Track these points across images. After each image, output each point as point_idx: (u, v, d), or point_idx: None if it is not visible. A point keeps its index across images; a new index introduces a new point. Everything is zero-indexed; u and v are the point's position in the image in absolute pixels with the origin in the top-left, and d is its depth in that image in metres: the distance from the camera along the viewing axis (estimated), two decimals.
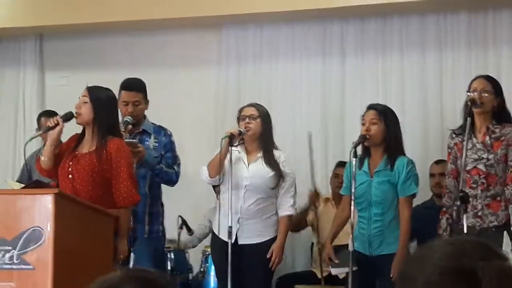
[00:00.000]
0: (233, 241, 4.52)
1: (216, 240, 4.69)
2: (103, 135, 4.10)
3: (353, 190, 4.34)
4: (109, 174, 4.05)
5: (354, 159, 4.34)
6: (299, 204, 5.22)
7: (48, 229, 3.52)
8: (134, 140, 4.58)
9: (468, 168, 4.31)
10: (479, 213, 4.30)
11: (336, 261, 4.56)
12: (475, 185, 4.31)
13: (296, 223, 5.32)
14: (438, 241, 1.45)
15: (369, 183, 4.49)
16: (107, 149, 4.07)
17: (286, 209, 4.66)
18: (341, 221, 4.67)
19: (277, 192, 4.67)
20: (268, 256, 4.58)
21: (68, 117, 4.16)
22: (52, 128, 4.10)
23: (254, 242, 4.61)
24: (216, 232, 4.68)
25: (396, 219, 4.49)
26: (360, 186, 4.45)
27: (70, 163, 4.09)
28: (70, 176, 4.07)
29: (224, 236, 4.55)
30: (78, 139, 4.19)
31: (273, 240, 4.64)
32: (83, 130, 4.21)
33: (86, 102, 4.13)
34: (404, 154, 4.58)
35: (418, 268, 1.39)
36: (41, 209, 3.57)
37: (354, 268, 4.29)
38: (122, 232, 4.06)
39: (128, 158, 4.15)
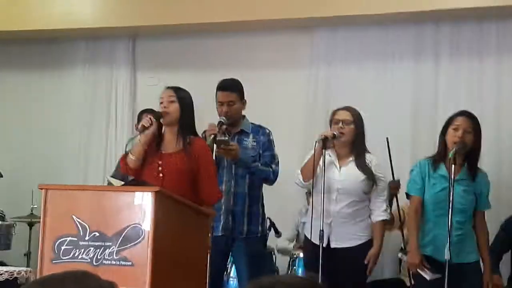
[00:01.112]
0: (325, 245, 4.50)
1: (307, 243, 4.66)
2: (188, 134, 4.19)
3: (451, 198, 4.26)
4: (196, 173, 4.13)
5: (453, 165, 4.25)
6: None
7: (147, 226, 3.56)
8: (226, 138, 4.60)
9: None
10: None
11: (428, 266, 4.48)
12: None
13: None
14: None
15: (450, 190, 4.39)
16: (193, 148, 4.15)
17: (379, 214, 4.61)
18: (418, 223, 4.57)
19: (370, 196, 4.62)
20: (366, 262, 4.54)
21: (158, 116, 4.21)
22: (147, 128, 4.16)
23: (347, 246, 4.57)
24: (307, 235, 4.65)
25: (472, 229, 4.50)
26: (441, 191, 4.37)
27: (160, 162, 4.15)
28: (160, 175, 4.12)
29: (315, 240, 4.52)
30: (156, 139, 4.22)
31: (366, 244, 4.59)
32: (159, 131, 4.24)
33: (173, 101, 4.19)
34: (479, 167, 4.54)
35: None
36: (142, 206, 3.60)
37: (438, 275, 4.25)
38: (209, 230, 4.12)
39: (212, 157, 4.29)
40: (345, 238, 4.57)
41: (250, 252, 4.57)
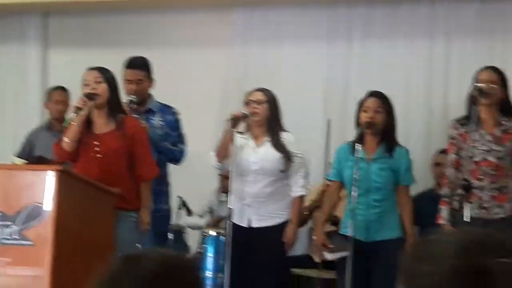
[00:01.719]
0: (247, 225, 4.56)
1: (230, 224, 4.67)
2: (117, 113, 4.21)
3: (355, 176, 4.33)
4: (132, 149, 4.21)
5: (358, 145, 4.34)
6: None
7: (50, 206, 3.51)
8: (136, 116, 4.57)
9: (477, 159, 4.30)
10: (485, 205, 4.29)
11: (331, 246, 4.57)
12: (482, 177, 4.30)
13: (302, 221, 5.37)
14: (449, 234, 1.36)
15: (367, 169, 4.49)
16: (127, 126, 4.21)
17: (296, 190, 4.67)
18: (329, 208, 4.68)
19: (288, 174, 4.66)
20: (284, 240, 4.59)
21: (92, 98, 4.14)
22: (81, 109, 4.10)
23: (268, 225, 4.61)
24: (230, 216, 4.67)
25: (394, 205, 4.54)
26: (357, 172, 4.45)
27: (96, 142, 4.12)
28: (98, 155, 4.12)
29: (236, 220, 4.55)
30: (85, 121, 4.18)
31: (285, 223, 4.65)
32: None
33: (100, 82, 4.15)
34: (398, 144, 4.60)
35: (428, 265, 1.27)
36: (44, 185, 3.55)
37: (346, 253, 4.31)
38: (146, 204, 4.29)
39: (145, 134, 4.39)
40: (265, 217, 4.63)
41: (156, 229, 4.56)
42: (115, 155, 4.15)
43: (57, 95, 5.74)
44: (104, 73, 4.24)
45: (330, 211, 4.71)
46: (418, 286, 1.28)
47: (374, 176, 4.49)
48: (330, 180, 4.79)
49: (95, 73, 4.22)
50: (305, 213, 5.39)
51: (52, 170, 3.55)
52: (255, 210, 4.60)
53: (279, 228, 4.61)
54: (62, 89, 5.79)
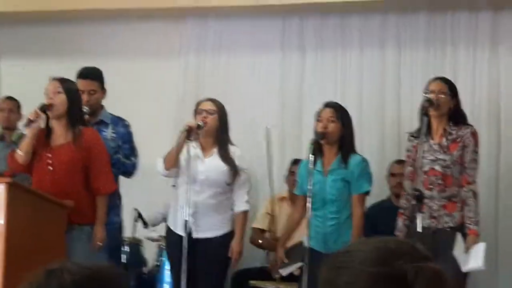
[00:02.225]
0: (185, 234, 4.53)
1: (171, 234, 4.67)
2: (77, 125, 4.16)
3: (309, 187, 4.35)
4: (88, 162, 4.15)
5: (311, 156, 4.36)
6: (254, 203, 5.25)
7: (0, 220, 3.46)
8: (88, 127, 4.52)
9: (425, 169, 4.37)
10: (435, 214, 4.35)
11: (285, 261, 4.59)
12: (431, 186, 4.36)
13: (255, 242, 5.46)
14: (361, 243, 1.36)
15: (324, 182, 4.52)
16: (84, 138, 4.16)
17: (241, 204, 4.69)
18: (295, 222, 4.73)
19: (232, 187, 4.66)
20: (229, 255, 4.60)
21: (45, 109, 4.09)
22: (33, 121, 4.04)
23: (209, 236, 4.60)
24: (171, 226, 4.66)
25: (350, 217, 4.55)
26: (314, 185, 4.46)
27: (49, 155, 4.07)
28: (50, 168, 4.06)
29: (180, 231, 4.53)
30: (44, 132, 4.16)
31: (228, 235, 4.64)
32: (47, 123, 4.16)
33: (59, 93, 4.11)
34: (356, 153, 4.62)
35: (344, 274, 1.29)
36: None
37: (300, 264, 4.35)
38: (101, 220, 4.23)
39: (104, 147, 4.32)
40: (206, 228, 4.61)
41: (108, 243, 4.52)
42: (67, 168, 4.09)
43: (6, 104, 5.70)
44: (64, 83, 4.21)
45: (293, 227, 4.74)
46: None
47: (329, 188, 4.52)
48: (296, 194, 4.82)
49: (55, 84, 4.19)
50: (259, 241, 5.45)
51: (2, 182, 3.49)
52: (196, 221, 4.59)
53: (222, 239, 4.62)
54: (9, 98, 5.75)
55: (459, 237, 4.26)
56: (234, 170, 4.62)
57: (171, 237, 4.66)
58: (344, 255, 1.33)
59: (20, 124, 5.08)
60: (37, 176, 4.07)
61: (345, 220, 4.54)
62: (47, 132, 4.16)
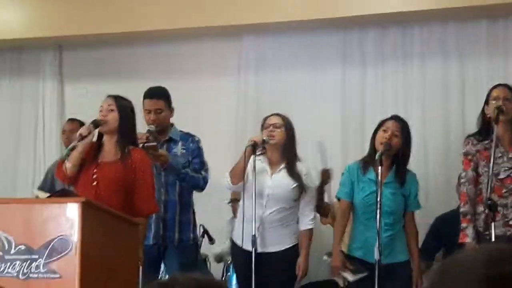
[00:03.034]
0: (251, 249, 4.53)
1: (237, 249, 4.67)
2: (126, 144, 4.16)
3: (378, 199, 4.32)
4: (133, 183, 4.11)
5: (380, 167, 4.32)
6: None
7: (75, 237, 3.50)
8: (154, 143, 4.56)
9: (501, 176, 4.29)
10: (511, 222, 4.27)
11: (351, 267, 4.56)
12: (507, 194, 4.29)
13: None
14: (470, 250, 1.37)
15: (379, 192, 4.47)
16: (132, 159, 4.13)
17: (307, 223, 4.68)
18: (343, 227, 4.69)
19: (298, 202, 4.66)
20: (297, 273, 4.59)
21: (97, 124, 4.15)
22: (85, 136, 4.10)
23: (274, 251, 4.60)
24: (237, 241, 4.65)
25: (402, 230, 4.60)
26: (370, 195, 4.44)
27: (95, 170, 4.12)
28: (95, 183, 4.10)
29: (245, 245, 4.54)
30: (95, 148, 4.20)
31: (291, 248, 4.63)
32: (100, 139, 4.23)
33: (112, 110, 4.16)
34: (409, 170, 4.64)
35: (454, 278, 1.28)
36: (68, 217, 3.54)
37: (365, 274, 4.37)
38: (141, 240, 4.15)
39: (151, 168, 4.27)
40: (271, 243, 4.61)
41: (183, 260, 4.54)
42: (111, 185, 4.09)
43: (67, 126, 5.85)
44: (118, 100, 4.23)
45: (343, 231, 4.71)
46: None
47: (386, 200, 4.48)
48: (339, 198, 4.77)
49: (109, 101, 4.22)
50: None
51: (76, 202, 3.54)
52: (261, 235, 4.58)
53: (287, 253, 4.61)
54: (72, 120, 5.87)
55: None
56: (301, 187, 4.61)
57: (237, 252, 4.65)
58: (453, 260, 1.33)
59: None
60: (80, 190, 4.10)
61: (398, 232, 4.58)
62: (98, 148, 4.20)
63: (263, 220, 4.59)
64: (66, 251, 3.51)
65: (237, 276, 4.86)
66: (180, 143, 4.85)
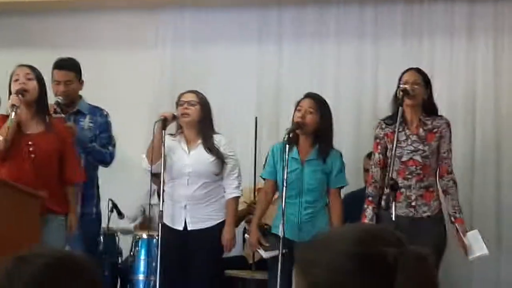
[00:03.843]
0: (182, 228, 4.57)
1: (167, 230, 4.61)
2: (45, 114, 4.17)
3: (285, 177, 4.36)
4: (62, 152, 4.20)
5: (287, 145, 4.36)
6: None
7: None
8: (62, 115, 4.52)
9: (404, 159, 4.40)
10: (413, 203, 4.39)
11: (267, 245, 4.59)
12: (410, 176, 4.40)
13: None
14: (345, 226, 1.38)
15: (301, 171, 4.53)
16: (56, 129, 4.19)
17: (231, 191, 4.68)
18: (265, 205, 4.72)
19: (222, 176, 4.67)
20: (222, 242, 4.60)
21: (23, 93, 4.08)
22: (18, 106, 4.01)
23: (204, 227, 4.60)
24: (168, 223, 4.62)
25: (325, 208, 4.60)
26: (291, 173, 4.47)
27: (30, 142, 4.05)
28: (32, 155, 4.06)
29: (170, 223, 4.55)
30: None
31: (222, 223, 4.65)
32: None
33: (31, 79, 4.09)
34: (333, 146, 4.65)
35: (324, 253, 1.29)
36: None
37: (284, 251, 4.33)
38: (73, 208, 4.26)
39: (72, 137, 4.36)
40: (200, 220, 4.61)
41: (85, 232, 4.50)
42: (47, 155, 4.11)
43: None
44: (35, 71, 4.20)
45: (264, 209, 4.74)
46: (316, 274, 1.29)
47: (307, 178, 4.53)
48: (264, 178, 4.81)
49: (26, 70, 4.16)
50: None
51: None
52: (190, 213, 4.59)
53: (215, 230, 4.62)
54: None
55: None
56: (221, 160, 4.61)
57: (162, 230, 4.57)
58: (325, 236, 1.35)
59: None
60: (14, 164, 4.04)
61: (320, 210, 4.58)
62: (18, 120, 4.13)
63: (188, 198, 4.59)
64: None
65: (162, 256, 4.74)
66: (88, 116, 4.81)
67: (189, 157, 4.63)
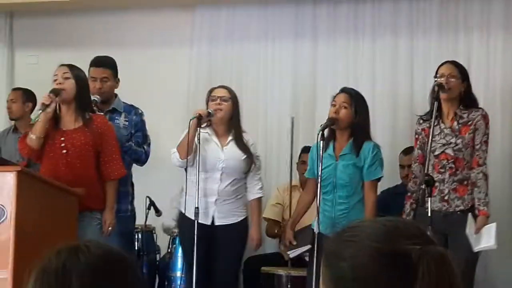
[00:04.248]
0: (209, 223, 4.59)
1: (186, 221, 4.62)
2: (85, 111, 4.21)
3: (319, 173, 4.34)
4: (99, 148, 4.21)
5: (321, 141, 4.34)
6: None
7: (10, 206, 3.49)
8: (100, 114, 4.56)
9: (436, 153, 4.37)
10: (446, 197, 4.35)
11: (294, 243, 4.59)
12: (443, 170, 4.36)
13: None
14: (370, 220, 1.40)
15: (335, 166, 4.51)
16: (95, 124, 4.20)
17: (255, 192, 4.72)
18: (305, 205, 4.71)
19: (247, 175, 4.69)
20: (250, 241, 4.66)
21: (57, 93, 4.13)
22: (48, 105, 4.07)
23: (230, 223, 4.64)
24: (187, 213, 4.63)
25: (361, 202, 4.52)
26: (325, 169, 4.44)
27: (62, 139, 4.10)
28: (64, 151, 4.10)
29: (199, 217, 4.55)
30: (53, 118, 4.17)
31: (245, 219, 4.69)
32: (57, 109, 4.19)
33: (68, 78, 4.15)
34: (370, 140, 4.59)
35: (349, 247, 1.31)
36: (4, 186, 3.53)
37: (308, 247, 4.34)
38: (110, 205, 4.27)
39: (114, 133, 4.36)
40: (228, 215, 4.64)
41: (120, 230, 4.54)
42: (80, 151, 4.13)
43: (10, 95, 5.77)
44: (73, 69, 4.23)
45: (303, 209, 4.72)
46: (341, 268, 1.31)
47: (339, 173, 4.50)
48: (307, 178, 4.79)
49: (63, 69, 4.22)
50: (275, 231, 5.46)
51: (12, 171, 3.52)
52: (218, 208, 4.61)
53: (240, 225, 4.66)
54: (15, 89, 5.82)
55: (469, 217, 4.26)
56: (251, 158, 4.64)
57: (186, 224, 4.59)
58: (352, 229, 1.36)
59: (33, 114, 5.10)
60: (49, 161, 4.09)
61: (355, 205, 4.51)
62: (56, 117, 4.18)
63: (220, 193, 4.61)
64: (1, 220, 3.50)
65: (184, 248, 4.84)
66: (123, 115, 4.85)
67: (223, 152, 4.64)
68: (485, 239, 4.22)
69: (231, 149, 4.65)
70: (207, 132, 4.67)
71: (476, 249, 4.24)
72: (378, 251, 1.28)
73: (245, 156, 4.63)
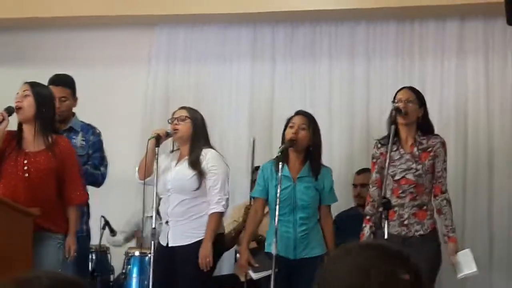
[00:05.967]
0: (165, 244, 4.56)
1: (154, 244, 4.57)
2: (47, 131, 4.09)
3: (278, 195, 4.35)
4: (62, 172, 4.11)
5: (280, 163, 4.36)
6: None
7: None
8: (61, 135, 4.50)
9: (396, 178, 4.41)
10: (405, 222, 4.40)
11: (256, 265, 4.57)
12: (403, 195, 4.41)
13: (232, 241, 5.38)
14: (357, 244, 1.43)
15: (293, 188, 4.53)
16: (58, 147, 4.11)
17: (212, 207, 4.56)
18: (254, 225, 4.71)
19: (205, 191, 4.57)
20: (199, 257, 4.48)
21: (10, 111, 4.05)
22: (0, 122, 3.99)
23: (183, 244, 4.57)
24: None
25: (318, 223, 4.59)
26: (283, 190, 4.46)
27: (25, 161, 4.01)
28: (26, 174, 4.02)
29: (155, 238, 4.53)
30: (16, 136, 4.11)
31: (201, 241, 4.58)
32: (19, 128, 4.13)
33: (27, 96, 4.06)
34: (322, 163, 4.66)
35: (338, 269, 1.38)
36: None
37: (276, 270, 4.30)
38: (73, 230, 4.21)
39: (76, 158, 4.29)
40: (181, 237, 4.57)
41: (78, 250, 4.47)
42: (43, 176, 4.05)
43: None
44: (35, 87, 4.13)
45: (254, 229, 4.74)
46: None
47: (300, 195, 4.53)
48: (254, 197, 4.80)
49: (24, 87, 4.14)
50: (232, 235, 5.40)
51: None
52: (172, 229, 4.58)
53: (194, 247, 4.51)
54: None
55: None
56: (200, 175, 4.54)
57: (158, 249, 4.56)
58: (342, 254, 1.45)
59: None
60: (9, 181, 4.00)
61: (314, 226, 4.58)
62: (19, 136, 4.10)
63: (169, 214, 4.58)
64: None
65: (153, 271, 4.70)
66: (80, 134, 4.81)
67: (172, 173, 4.62)
68: (466, 266, 4.31)
69: (179, 169, 4.61)
70: (170, 156, 4.68)
71: (459, 276, 4.35)
72: (366, 272, 1.36)
73: (193, 174, 4.54)
